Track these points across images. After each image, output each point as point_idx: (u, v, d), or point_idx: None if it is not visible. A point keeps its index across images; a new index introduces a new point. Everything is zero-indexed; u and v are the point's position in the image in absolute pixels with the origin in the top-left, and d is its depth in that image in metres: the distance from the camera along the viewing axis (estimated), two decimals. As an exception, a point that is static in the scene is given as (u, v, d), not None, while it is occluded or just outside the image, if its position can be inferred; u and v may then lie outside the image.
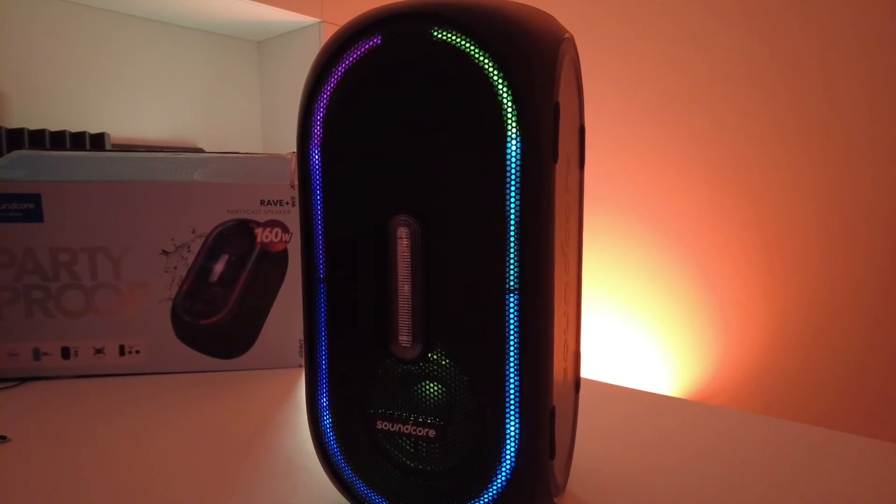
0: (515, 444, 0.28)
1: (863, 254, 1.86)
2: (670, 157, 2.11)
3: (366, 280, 0.30)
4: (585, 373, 0.41)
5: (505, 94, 0.26)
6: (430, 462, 0.30)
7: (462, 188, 0.28)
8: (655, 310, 2.16)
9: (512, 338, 0.28)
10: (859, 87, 1.83)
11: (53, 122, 1.75)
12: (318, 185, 0.31)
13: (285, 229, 0.61)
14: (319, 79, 0.30)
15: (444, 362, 0.29)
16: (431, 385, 0.29)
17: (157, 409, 0.51)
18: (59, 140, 1.70)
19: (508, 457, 0.28)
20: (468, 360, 0.29)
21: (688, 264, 2.10)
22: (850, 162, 1.86)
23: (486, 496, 0.29)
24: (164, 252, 0.60)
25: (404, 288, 0.29)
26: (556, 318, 0.29)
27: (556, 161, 0.27)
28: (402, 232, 0.29)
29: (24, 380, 0.59)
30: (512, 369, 0.28)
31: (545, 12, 0.30)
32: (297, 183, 0.35)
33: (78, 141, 1.73)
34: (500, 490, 0.29)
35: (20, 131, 1.63)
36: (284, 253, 0.62)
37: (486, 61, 0.27)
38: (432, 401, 0.29)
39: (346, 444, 0.31)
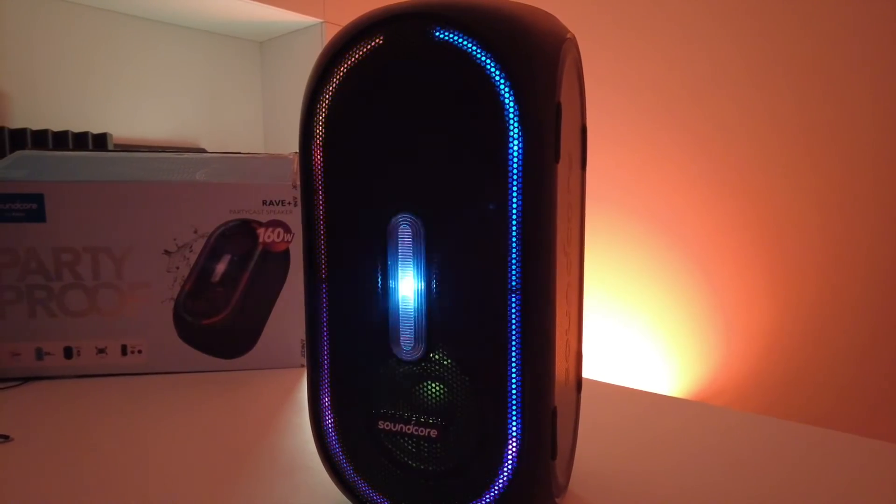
0: (517, 444, 0.28)
1: (864, 254, 1.86)
2: (672, 157, 2.11)
3: (368, 280, 0.30)
4: (587, 373, 0.41)
5: (507, 95, 0.26)
6: (432, 462, 0.30)
7: (464, 188, 0.28)
8: (657, 310, 2.16)
9: (514, 338, 0.28)
10: (861, 87, 1.83)
11: (56, 123, 1.76)
12: (321, 185, 0.31)
13: (287, 229, 0.61)
14: (322, 79, 0.30)
15: (445, 362, 0.29)
16: (433, 385, 0.29)
17: (159, 408, 0.51)
18: (62, 140, 1.70)
19: (510, 457, 0.28)
20: (470, 360, 0.29)
21: (689, 264, 2.10)
22: (852, 162, 1.86)
23: (487, 496, 0.29)
24: (167, 252, 0.60)
25: (406, 288, 0.29)
26: (557, 319, 0.29)
27: (557, 161, 0.27)
28: (405, 232, 0.29)
29: (26, 379, 0.59)
30: (514, 370, 0.28)
31: (547, 12, 0.30)
32: (299, 183, 0.35)
33: (80, 141, 1.73)
34: (501, 490, 0.29)
35: (23, 131, 1.63)
36: (286, 253, 0.62)
37: (488, 61, 0.27)
38: (434, 401, 0.29)
39: (348, 444, 0.31)
